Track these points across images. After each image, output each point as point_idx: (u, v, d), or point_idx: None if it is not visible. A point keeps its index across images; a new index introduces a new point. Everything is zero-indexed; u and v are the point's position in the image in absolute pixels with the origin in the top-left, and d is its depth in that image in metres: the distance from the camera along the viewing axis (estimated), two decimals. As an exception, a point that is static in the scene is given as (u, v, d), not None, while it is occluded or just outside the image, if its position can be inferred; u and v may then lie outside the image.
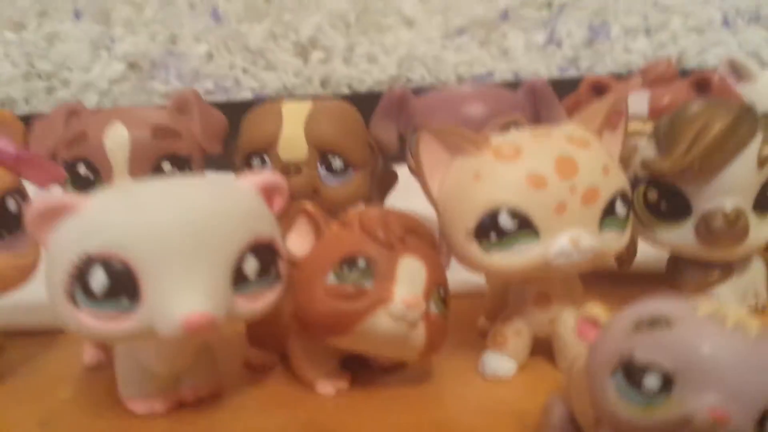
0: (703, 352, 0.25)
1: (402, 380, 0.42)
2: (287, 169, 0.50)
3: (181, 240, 0.32)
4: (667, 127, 0.41)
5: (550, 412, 0.34)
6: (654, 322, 0.27)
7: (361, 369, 0.42)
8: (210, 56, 0.92)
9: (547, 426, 0.34)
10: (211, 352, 0.40)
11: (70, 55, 0.89)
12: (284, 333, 0.41)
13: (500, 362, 0.41)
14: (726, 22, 1.00)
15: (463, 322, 0.48)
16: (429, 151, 0.38)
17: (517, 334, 0.41)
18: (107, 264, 0.32)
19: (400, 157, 0.58)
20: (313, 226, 0.38)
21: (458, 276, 0.43)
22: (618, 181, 0.38)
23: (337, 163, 0.52)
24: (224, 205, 0.34)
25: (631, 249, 0.48)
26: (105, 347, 0.44)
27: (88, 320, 0.32)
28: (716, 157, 0.39)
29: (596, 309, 0.29)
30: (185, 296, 0.32)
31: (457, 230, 0.38)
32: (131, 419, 0.38)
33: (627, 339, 0.27)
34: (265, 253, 0.35)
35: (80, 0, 0.90)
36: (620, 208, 0.38)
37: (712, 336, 0.26)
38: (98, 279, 0.32)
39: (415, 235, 0.37)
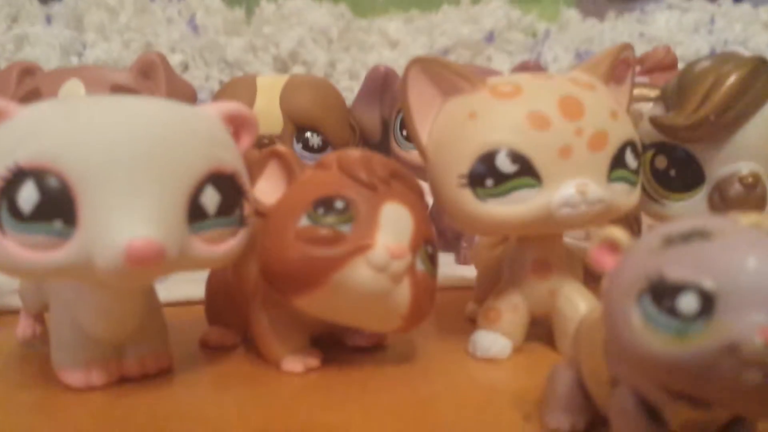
0: (751, 264, 0.21)
1: (382, 360, 0.37)
2: (260, 144, 0.46)
3: (129, 154, 0.27)
4: (676, 85, 0.37)
5: (556, 378, 0.29)
6: (688, 236, 0.22)
7: (335, 348, 0.37)
8: (185, 66, 0.88)
9: (552, 394, 0.29)
10: (161, 320, 0.35)
11: (39, 59, 0.85)
12: (248, 307, 0.36)
13: (494, 340, 0.36)
14: (714, 54, 0.99)
15: (451, 312, 0.44)
16: (418, 89, 0.34)
17: (512, 309, 0.36)
18: (40, 177, 0.27)
19: (383, 146, 0.54)
20: (286, 171, 0.34)
21: (445, 270, 0.38)
22: (627, 128, 0.34)
23: (314, 139, 0.48)
24: (182, 123, 0.29)
25: (635, 227, 0.44)
26: (41, 318, 0.39)
27: (16, 249, 0.27)
28: (733, 109, 0.36)
29: (616, 232, 0.25)
30: (130, 220, 0.27)
31: (449, 177, 0.33)
32: (63, 393, 0.32)
33: (655, 257, 0.22)
34: (227, 186, 0.30)
35: (53, 5, 0.87)
36: (630, 158, 0.34)
37: (759, 247, 0.21)
38: (28, 195, 0.27)
39: (401, 181, 0.33)
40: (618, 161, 0.33)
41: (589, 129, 0.32)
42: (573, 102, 0.33)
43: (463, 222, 0.34)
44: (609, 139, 0.33)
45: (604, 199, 0.33)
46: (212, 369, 0.36)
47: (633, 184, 0.34)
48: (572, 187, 0.32)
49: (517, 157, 0.32)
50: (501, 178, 0.32)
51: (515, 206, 0.32)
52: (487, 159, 0.32)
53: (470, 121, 0.33)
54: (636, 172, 0.35)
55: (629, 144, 0.34)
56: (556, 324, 0.36)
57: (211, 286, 0.39)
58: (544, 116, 0.32)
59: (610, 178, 0.33)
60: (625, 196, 0.34)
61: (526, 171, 0.32)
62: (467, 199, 0.33)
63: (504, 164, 0.32)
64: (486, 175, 0.32)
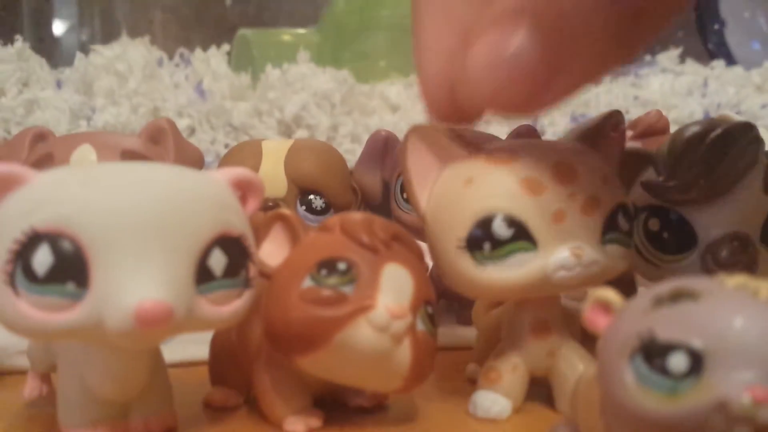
0: (737, 324, 0.22)
1: (383, 420, 0.37)
2: (266, 207, 0.48)
3: (140, 219, 0.28)
4: (666, 149, 0.39)
5: (554, 437, 0.30)
6: (677, 297, 0.23)
7: (336, 409, 0.37)
8: (192, 130, 0.90)
9: (550, 453, 0.30)
10: (166, 381, 0.36)
11: (48, 122, 0.88)
12: (251, 368, 0.37)
13: (494, 400, 0.36)
14: (707, 117, 1.01)
15: (451, 373, 0.44)
16: (417, 156, 0.35)
17: (512, 370, 0.37)
18: (54, 241, 0.28)
19: (384, 208, 0.55)
20: (290, 234, 0.35)
21: (445, 329, 0.39)
22: (619, 193, 0.36)
23: (317, 202, 0.49)
24: (192, 189, 0.31)
25: (630, 289, 0.45)
26: (48, 379, 0.39)
27: (29, 310, 0.28)
28: (722, 173, 0.37)
29: (608, 293, 0.26)
30: (140, 283, 0.28)
31: (448, 242, 0.34)
32: (69, 454, 0.33)
33: (646, 317, 0.23)
34: (234, 248, 0.31)
35: (64, 70, 0.89)
36: (622, 221, 0.35)
37: (745, 307, 0.22)
38: (43, 258, 0.28)
39: (402, 244, 0.34)
40: (610, 224, 0.35)
41: (581, 194, 0.34)
42: (566, 167, 0.34)
43: (462, 285, 0.35)
44: (601, 203, 0.34)
45: (598, 261, 0.34)
46: (216, 429, 0.36)
47: (626, 246, 0.36)
48: (567, 251, 0.33)
49: (512, 222, 0.33)
50: (498, 242, 0.33)
51: (513, 270, 0.33)
52: (484, 224, 0.33)
53: (467, 187, 0.34)
54: (629, 234, 0.36)
55: (621, 207, 0.35)
56: (555, 384, 0.37)
57: (215, 347, 0.40)
58: (538, 182, 0.33)
59: (604, 241, 0.34)
60: (619, 257, 0.35)
61: (522, 235, 0.33)
62: (466, 263, 0.34)
63: (500, 229, 0.33)
64: (483, 239, 0.33)
